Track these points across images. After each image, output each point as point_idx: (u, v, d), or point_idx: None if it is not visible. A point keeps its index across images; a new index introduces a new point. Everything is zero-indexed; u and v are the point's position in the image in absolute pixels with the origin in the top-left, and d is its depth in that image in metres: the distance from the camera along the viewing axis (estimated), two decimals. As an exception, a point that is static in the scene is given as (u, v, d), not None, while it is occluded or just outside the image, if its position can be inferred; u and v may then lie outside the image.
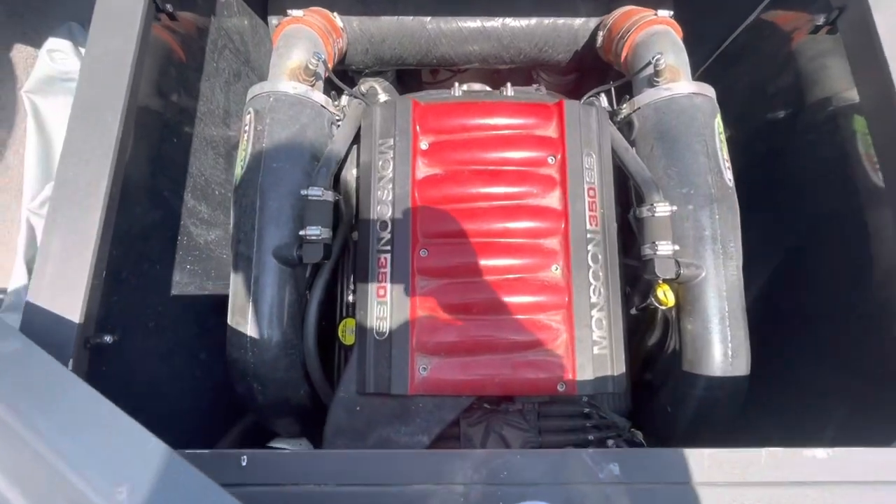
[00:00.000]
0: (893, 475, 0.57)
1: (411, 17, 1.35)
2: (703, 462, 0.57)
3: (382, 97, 1.42)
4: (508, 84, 1.17)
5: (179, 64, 1.02)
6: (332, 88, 1.17)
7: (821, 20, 0.94)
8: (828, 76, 1.04)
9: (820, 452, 0.57)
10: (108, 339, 0.73)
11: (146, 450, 0.45)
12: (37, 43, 1.65)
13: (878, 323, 0.86)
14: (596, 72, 1.51)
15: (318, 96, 1.06)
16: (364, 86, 1.44)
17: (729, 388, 0.90)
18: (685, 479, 0.57)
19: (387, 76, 1.60)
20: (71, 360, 0.61)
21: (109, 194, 0.70)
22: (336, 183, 1.14)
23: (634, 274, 1.12)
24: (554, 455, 0.58)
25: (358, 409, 0.90)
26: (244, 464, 0.57)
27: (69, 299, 0.63)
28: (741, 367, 0.90)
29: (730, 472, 0.57)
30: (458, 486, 0.56)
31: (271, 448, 1.05)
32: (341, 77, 1.61)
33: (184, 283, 1.01)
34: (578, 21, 1.35)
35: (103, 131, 0.70)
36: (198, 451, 0.57)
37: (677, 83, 1.04)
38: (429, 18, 1.35)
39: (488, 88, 1.40)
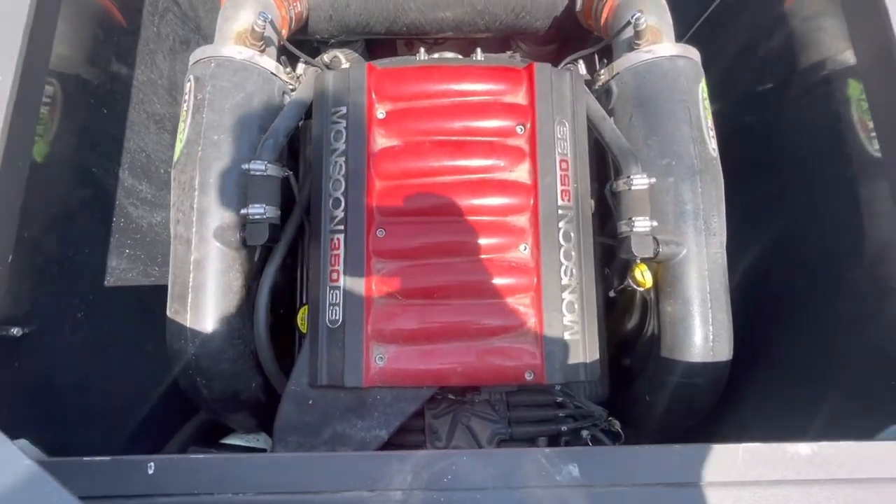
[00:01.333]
0: (883, 471, 0.51)
1: (377, -20, 1.24)
2: (673, 460, 0.51)
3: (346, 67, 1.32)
4: (478, 49, 1.07)
5: (111, 26, 0.92)
6: (287, 56, 1.07)
7: (815, -29, 0.85)
8: (823, 38, 0.95)
9: (803, 448, 0.51)
10: (15, 331, 0.65)
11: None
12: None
13: (873, 302, 0.80)
14: (577, 41, 1.41)
15: (268, 62, 0.96)
16: (327, 56, 1.34)
17: (709, 375, 0.84)
18: (652, 480, 0.51)
19: (355, 47, 1.50)
20: (-50, 356, 0.53)
21: (6, 166, 0.61)
22: (295, 157, 1.06)
23: (614, 253, 1.05)
24: (505, 455, 0.52)
25: (310, 402, 0.83)
26: (151, 471, 0.50)
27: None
28: (723, 352, 0.84)
29: (703, 470, 0.51)
30: (395, 493, 0.49)
31: (226, 445, 0.98)
32: (306, 48, 1.51)
33: (122, 268, 0.92)
34: (557, -17, 1.25)
35: (-8, 93, 0.61)
36: (98, 458, 0.50)
37: (659, 45, 0.96)
38: (396, -19, 1.25)
39: (461, 57, 1.30)
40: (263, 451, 0.99)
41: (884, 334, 0.77)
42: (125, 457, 0.50)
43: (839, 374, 0.80)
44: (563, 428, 0.91)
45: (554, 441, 0.94)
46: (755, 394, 0.92)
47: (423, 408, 0.88)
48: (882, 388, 0.75)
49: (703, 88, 0.93)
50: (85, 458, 0.50)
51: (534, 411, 0.92)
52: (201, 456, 0.51)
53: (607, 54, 1.07)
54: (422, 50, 1.08)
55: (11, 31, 0.64)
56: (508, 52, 1.19)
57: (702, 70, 0.95)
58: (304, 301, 1.03)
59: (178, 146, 0.89)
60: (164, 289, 0.96)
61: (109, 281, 0.89)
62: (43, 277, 0.75)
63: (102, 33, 0.91)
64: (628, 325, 1.00)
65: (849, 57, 0.89)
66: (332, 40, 1.42)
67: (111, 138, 0.92)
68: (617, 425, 0.97)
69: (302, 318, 1.01)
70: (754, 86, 1.07)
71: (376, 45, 1.70)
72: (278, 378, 0.93)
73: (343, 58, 1.35)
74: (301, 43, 1.42)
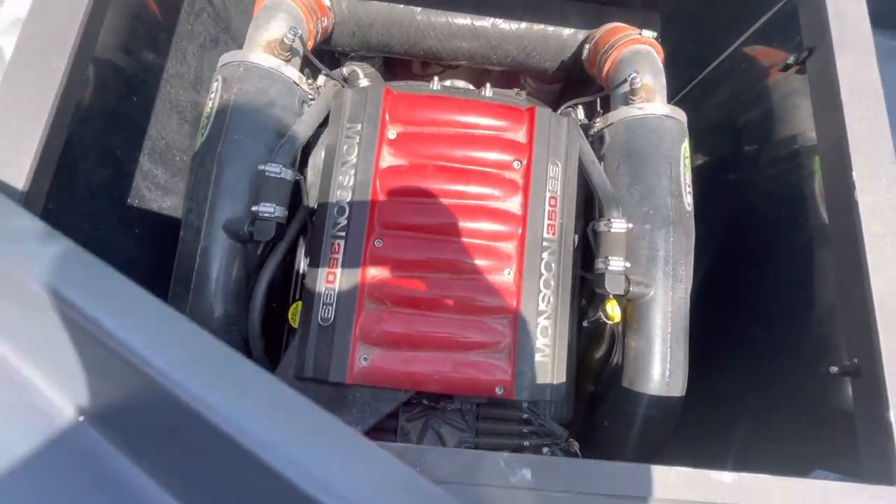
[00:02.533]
0: (793, 503, 0.58)
1: (402, 6, 1.33)
2: (614, 475, 0.58)
3: (363, 83, 1.40)
4: (488, 84, 1.16)
5: (149, 20, 0.99)
6: (309, 67, 1.14)
7: (791, 59, 0.96)
8: (797, 115, 1.06)
9: (726, 476, 0.59)
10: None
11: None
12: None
13: (813, 359, 0.89)
14: (580, 84, 1.52)
15: (292, 72, 1.03)
16: (346, 69, 1.42)
17: (663, 407, 0.92)
18: (595, 490, 0.57)
19: (373, 62, 1.58)
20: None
21: (47, 144, 0.67)
22: (304, 163, 1.12)
23: (592, 288, 1.13)
24: (469, 456, 0.58)
25: (294, 393, 0.88)
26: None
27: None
28: (677, 387, 0.92)
29: (638, 486, 0.58)
30: (368, 479, 0.55)
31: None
32: (327, 58, 1.59)
33: (129, 247, 0.98)
34: (567, 31, 1.35)
35: (46, 77, 0.67)
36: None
37: (651, 104, 1.05)
38: (419, 9, 1.34)
39: (472, 87, 1.39)
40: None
41: (819, 388, 0.86)
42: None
43: (777, 420, 0.89)
44: (526, 444, 0.98)
45: (516, 455, 1.01)
46: (703, 430, 1.00)
47: (398, 410, 0.94)
48: (814, 436, 0.84)
49: (685, 147, 1.03)
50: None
51: (501, 425, 0.98)
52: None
53: (605, 103, 1.17)
54: (435, 79, 1.16)
55: (73, 16, 0.71)
56: (516, 90, 1.27)
57: (686, 131, 1.05)
58: (297, 297, 1.09)
59: (200, 140, 0.95)
60: (161, 268, 1.01)
61: (116, 258, 0.94)
62: (59, 248, 0.79)
63: (141, 26, 0.97)
64: (597, 354, 1.07)
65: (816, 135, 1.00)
66: (353, 54, 1.51)
67: (135, 124, 0.98)
68: (576, 446, 1.03)
69: (293, 313, 1.06)
70: (732, 150, 1.17)
71: (393, 61, 1.79)
72: (265, 367, 0.98)
73: (360, 72, 1.43)
74: (323, 52, 1.50)
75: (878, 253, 0.69)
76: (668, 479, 0.58)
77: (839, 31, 0.82)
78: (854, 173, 0.73)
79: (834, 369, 0.77)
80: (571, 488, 0.57)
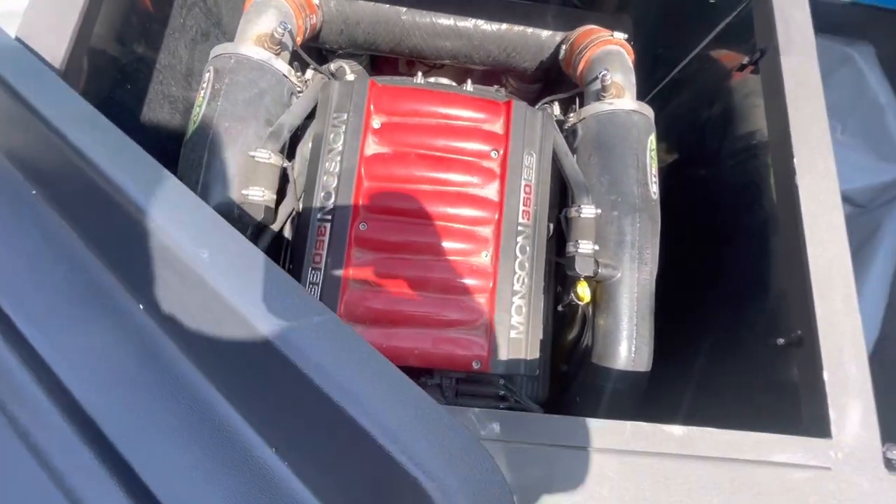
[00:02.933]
0: (734, 453, 0.65)
1: (388, 6, 1.39)
2: (576, 428, 0.64)
3: (350, 78, 1.45)
4: (469, 80, 1.22)
5: (143, 13, 1.03)
6: (298, 62, 1.19)
7: (746, 60, 1.04)
8: (755, 114, 1.14)
9: (676, 430, 0.65)
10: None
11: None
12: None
13: (766, 337, 0.96)
14: (559, 84, 1.59)
15: (281, 65, 1.08)
16: (333, 65, 1.47)
17: (630, 382, 0.98)
18: (558, 442, 0.63)
19: (360, 60, 1.64)
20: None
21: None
22: (291, 154, 1.17)
23: (566, 274, 1.19)
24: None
25: (280, 368, 0.92)
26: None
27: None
28: (643, 363, 0.98)
29: (598, 439, 0.64)
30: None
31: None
32: (315, 55, 1.63)
33: (121, 230, 1.01)
34: (546, 33, 1.43)
35: (47, 64, 0.71)
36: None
37: (621, 100, 1.12)
38: (404, 9, 1.40)
39: (455, 84, 1.45)
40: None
41: (771, 363, 0.93)
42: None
43: (726, 387, 0.96)
44: (503, 419, 1.03)
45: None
46: (657, 394, 1.07)
47: (381, 387, 0.98)
48: (760, 403, 0.91)
49: (651, 141, 1.10)
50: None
51: (478, 401, 1.03)
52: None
53: (580, 100, 1.24)
54: (419, 74, 1.22)
55: (71, 6, 0.75)
56: (495, 87, 1.34)
57: (653, 125, 1.12)
58: (284, 282, 1.13)
59: (192, 127, 0.99)
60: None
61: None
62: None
63: (135, 18, 1.01)
64: (569, 336, 1.13)
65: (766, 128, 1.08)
66: (340, 51, 1.56)
67: (129, 112, 1.02)
68: (550, 423, 1.09)
69: (280, 296, 1.10)
70: (697, 144, 1.25)
71: (380, 60, 1.85)
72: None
73: (348, 69, 1.48)
74: (311, 49, 1.55)
75: (815, 230, 0.77)
76: (624, 432, 0.64)
77: (785, 35, 0.90)
78: (795, 160, 0.81)
79: (781, 341, 0.84)
80: (537, 440, 0.63)
